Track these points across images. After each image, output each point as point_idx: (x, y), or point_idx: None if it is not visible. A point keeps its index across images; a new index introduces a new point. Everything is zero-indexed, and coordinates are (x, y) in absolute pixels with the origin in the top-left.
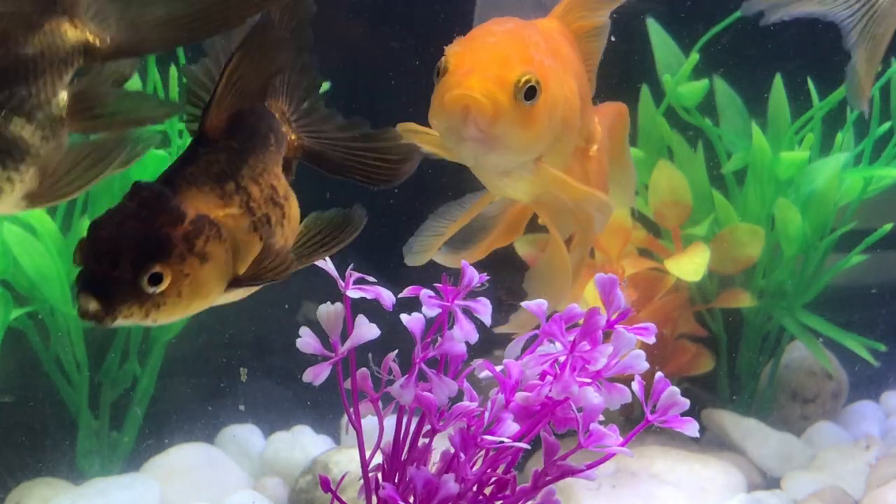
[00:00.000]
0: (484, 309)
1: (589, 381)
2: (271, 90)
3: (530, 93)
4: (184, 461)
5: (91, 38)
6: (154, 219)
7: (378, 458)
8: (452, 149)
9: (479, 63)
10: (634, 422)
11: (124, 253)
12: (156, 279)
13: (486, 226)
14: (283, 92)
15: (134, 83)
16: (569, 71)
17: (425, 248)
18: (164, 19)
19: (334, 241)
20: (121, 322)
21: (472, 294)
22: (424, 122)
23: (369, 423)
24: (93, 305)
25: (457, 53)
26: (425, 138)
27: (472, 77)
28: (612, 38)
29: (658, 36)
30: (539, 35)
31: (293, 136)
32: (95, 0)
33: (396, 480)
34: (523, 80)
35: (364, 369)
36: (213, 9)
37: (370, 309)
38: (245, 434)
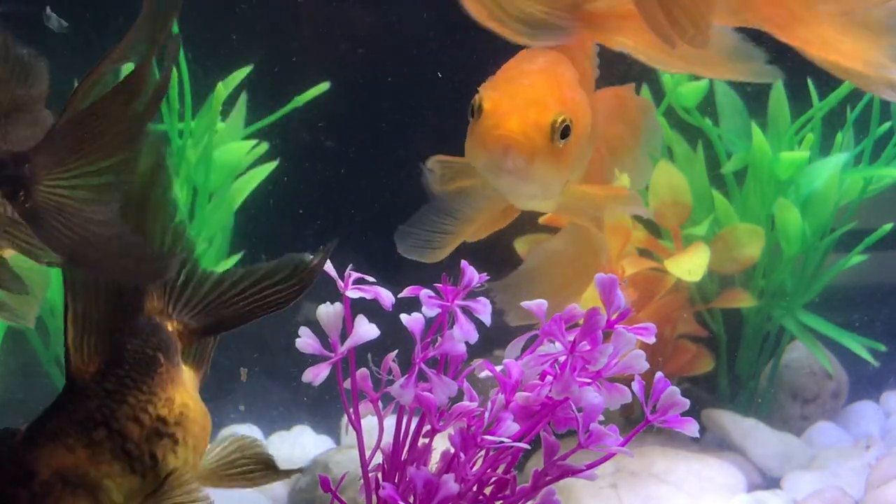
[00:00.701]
0: (484, 309)
1: (589, 381)
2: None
3: (565, 132)
4: None
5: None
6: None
7: (378, 458)
8: (491, 180)
9: (516, 106)
10: (634, 422)
11: None
12: None
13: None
14: (158, 287)
15: None
16: (584, 85)
17: (441, 245)
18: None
19: (252, 476)
20: None
21: (472, 294)
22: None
23: (369, 423)
24: None
25: (493, 97)
26: (456, 168)
27: (511, 120)
28: None
29: None
30: (565, 65)
31: (181, 328)
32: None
33: (396, 480)
34: (559, 121)
35: (364, 369)
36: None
37: (371, 309)
38: (245, 434)
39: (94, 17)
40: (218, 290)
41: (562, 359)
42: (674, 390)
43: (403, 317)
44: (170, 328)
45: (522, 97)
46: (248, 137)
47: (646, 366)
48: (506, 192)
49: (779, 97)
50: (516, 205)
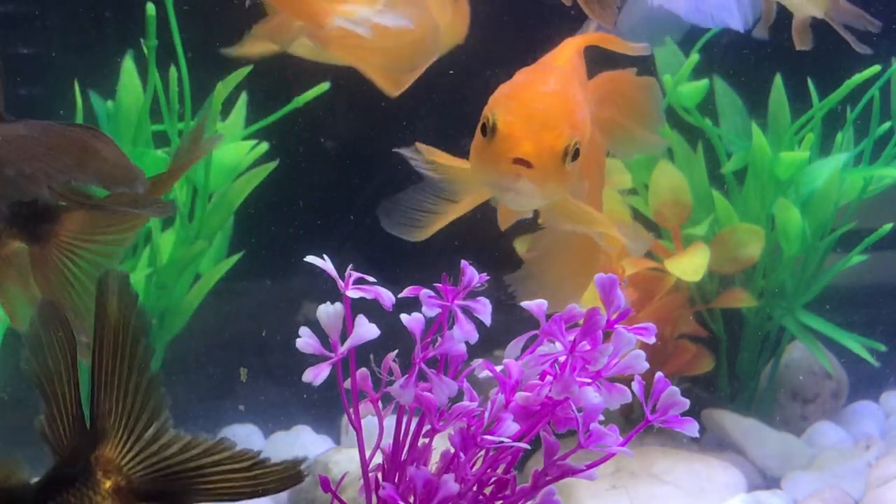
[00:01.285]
0: (484, 309)
1: (589, 381)
2: (96, 437)
3: (575, 155)
4: None
5: None
6: None
7: (378, 458)
8: (495, 194)
9: (531, 130)
10: (634, 422)
11: None
12: None
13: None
14: (113, 434)
15: (135, 85)
16: (585, 91)
17: (426, 225)
18: None
19: None
20: None
21: (472, 294)
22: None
23: (369, 423)
24: None
25: (508, 120)
26: (448, 168)
27: (526, 144)
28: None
29: None
30: (574, 82)
31: (124, 483)
32: None
33: (396, 480)
34: (571, 145)
35: (364, 369)
36: None
37: (371, 309)
38: (245, 434)
39: (93, 17)
40: (182, 455)
41: (562, 359)
42: (674, 390)
43: (403, 317)
44: (107, 484)
45: (537, 121)
46: (248, 137)
47: (646, 366)
48: (506, 202)
49: (779, 97)
50: (509, 207)
